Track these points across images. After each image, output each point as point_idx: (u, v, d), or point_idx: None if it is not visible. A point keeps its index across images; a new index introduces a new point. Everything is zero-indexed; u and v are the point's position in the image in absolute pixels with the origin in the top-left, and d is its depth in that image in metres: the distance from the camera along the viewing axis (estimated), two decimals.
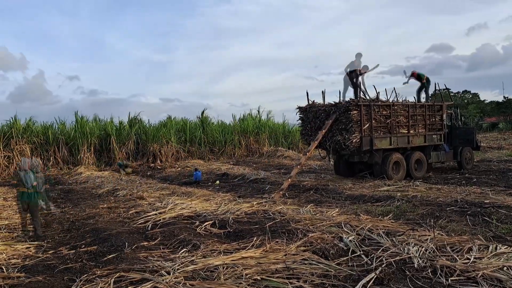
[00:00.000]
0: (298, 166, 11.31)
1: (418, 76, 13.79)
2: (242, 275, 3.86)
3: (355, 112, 11.30)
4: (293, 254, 4.47)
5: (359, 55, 12.45)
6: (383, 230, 5.35)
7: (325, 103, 12.61)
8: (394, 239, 4.92)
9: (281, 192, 9.65)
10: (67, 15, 75.55)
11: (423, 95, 13.80)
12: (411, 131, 12.42)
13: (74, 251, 5.36)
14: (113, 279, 3.96)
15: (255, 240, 5.16)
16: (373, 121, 11.52)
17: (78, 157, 19.74)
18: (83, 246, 5.57)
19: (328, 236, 5.13)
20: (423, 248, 4.47)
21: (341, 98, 12.33)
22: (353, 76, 12.27)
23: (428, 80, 13.67)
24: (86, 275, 4.23)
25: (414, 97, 13.61)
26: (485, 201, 7.49)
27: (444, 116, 13.45)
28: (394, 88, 12.48)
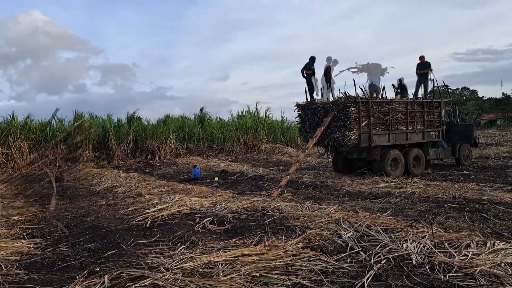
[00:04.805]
0: (297, 163, 11.32)
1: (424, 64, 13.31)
2: (241, 272, 3.87)
3: (354, 109, 11.31)
4: (292, 251, 4.48)
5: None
6: (382, 227, 5.36)
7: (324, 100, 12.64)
8: (392, 235, 4.93)
9: (279, 189, 9.66)
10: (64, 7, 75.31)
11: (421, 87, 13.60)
12: (409, 128, 12.44)
13: (73, 248, 5.36)
14: (112, 276, 3.96)
15: (254, 237, 5.17)
16: (372, 118, 11.53)
17: (77, 154, 19.71)
18: (82, 243, 5.57)
19: (326, 233, 5.14)
20: (421, 245, 4.49)
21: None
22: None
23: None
24: (85, 272, 4.24)
25: (412, 94, 13.60)
26: (483, 198, 7.52)
27: (443, 113, 13.46)
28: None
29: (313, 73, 12.86)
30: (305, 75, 12.92)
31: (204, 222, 6.19)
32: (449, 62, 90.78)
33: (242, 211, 6.83)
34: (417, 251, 4.31)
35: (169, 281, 3.73)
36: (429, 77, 13.36)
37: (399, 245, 4.53)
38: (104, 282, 3.83)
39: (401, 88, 13.62)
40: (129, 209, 7.58)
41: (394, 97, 13.19)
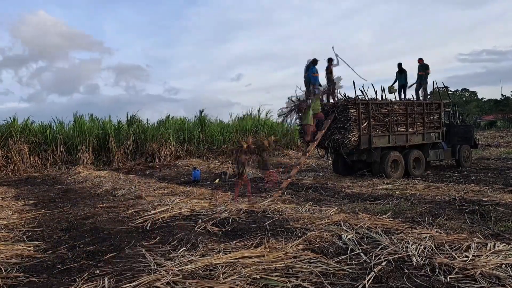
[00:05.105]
0: (298, 167, 11.31)
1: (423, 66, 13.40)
2: (241, 274, 3.87)
3: (354, 110, 11.32)
4: (292, 253, 4.47)
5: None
6: (382, 229, 5.35)
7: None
8: (392, 237, 4.93)
9: (280, 191, 9.66)
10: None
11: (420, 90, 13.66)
12: (409, 130, 12.44)
13: (73, 250, 5.36)
14: (112, 279, 3.96)
15: (254, 239, 5.17)
16: (372, 120, 11.54)
17: (77, 156, 19.71)
18: (82, 245, 5.56)
19: (327, 235, 5.14)
20: (422, 246, 4.48)
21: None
22: None
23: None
24: (85, 274, 4.23)
25: (412, 96, 13.62)
26: (483, 199, 7.52)
27: (442, 114, 13.47)
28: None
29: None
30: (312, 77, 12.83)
31: (205, 224, 6.19)
32: (452, 63, 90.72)
33: (242, 213, 6.82)
34: (417, 253, 4.30)
35: (169, 283, 3.72)
36: (427, 79, 13.46)
37: (400, 247, 4.52)
38: (104, 284, 3.82)
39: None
40: (129, 212, 7.58)
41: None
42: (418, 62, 13.51)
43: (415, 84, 13.56)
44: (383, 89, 12.64)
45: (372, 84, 12.74)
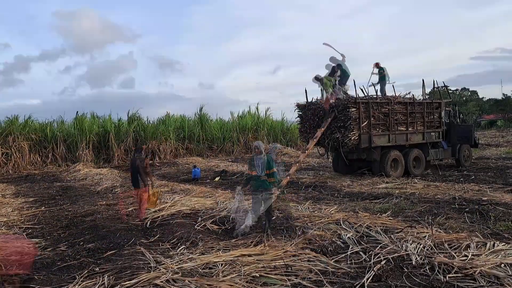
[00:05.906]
0: (297, 164, 11.30)
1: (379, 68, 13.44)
2: (241, 272, 3.87)
3: (354, 109, 11.30)
4: (292, 251, 4.48)
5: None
6: (381, 227, 5.36)
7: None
8: (392, 236, 4.93)
9: (279, 189, 9.65)
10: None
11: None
12: (409, 129, 12.43)
13: (72, 248, 5.36)
14: (112, 276, 3.97)
15: (254, 237, 5.17)
16: (372, 119, 11.52)
17: (77, 154, 19.70)
18: (82, 243, 5.57)
19: (326, 233, 5.14)
20: (421, 245, 4.49)
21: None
22: None
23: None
24: (85, 271, 4.24)
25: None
26: (483, 199, 7.51)
27: (443, 113, 13.45)
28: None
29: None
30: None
31: (204, 222, 6.19)
32: (462, 61, 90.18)
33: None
34: (417, 252, 4.31)
35: (169, 281, 3.73)
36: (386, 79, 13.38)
37: (399, 246, 4.53)
38: (103, 282, 3.83)
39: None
40: (129, 209, 7.59)
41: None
42: (377, 65, 13.42)
43: (379, 84, 13.44)
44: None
45: (373, 84, 12.67)
